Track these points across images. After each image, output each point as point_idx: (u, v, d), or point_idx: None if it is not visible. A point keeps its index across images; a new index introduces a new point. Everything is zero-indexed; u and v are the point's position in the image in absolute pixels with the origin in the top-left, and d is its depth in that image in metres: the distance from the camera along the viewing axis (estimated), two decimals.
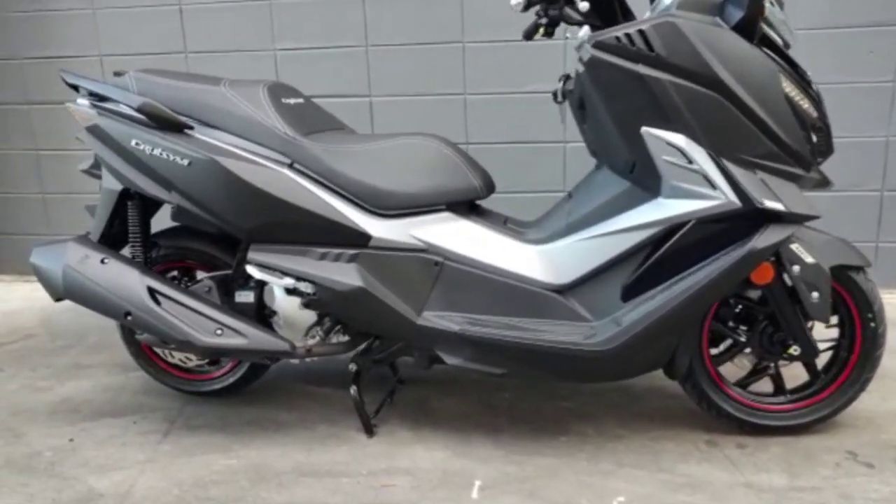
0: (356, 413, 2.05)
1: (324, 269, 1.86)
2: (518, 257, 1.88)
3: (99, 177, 2.13)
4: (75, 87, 2.02)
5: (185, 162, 1.84)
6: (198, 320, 1.90)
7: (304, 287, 1.88)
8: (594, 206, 1.82)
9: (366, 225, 1.86)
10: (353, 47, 3.17)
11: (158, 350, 2.21)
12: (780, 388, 1.97)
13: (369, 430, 2.04)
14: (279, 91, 1.98)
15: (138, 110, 1.85)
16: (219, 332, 1.89)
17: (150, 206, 2.10)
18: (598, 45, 1.65)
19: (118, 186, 1.99)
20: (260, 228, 1.87)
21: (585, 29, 1.81)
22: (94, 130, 1.94)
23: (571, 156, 3.13)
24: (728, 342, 1.96)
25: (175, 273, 2.18)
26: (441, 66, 3.12)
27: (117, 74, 2.10)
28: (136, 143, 1.88)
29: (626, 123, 1.66)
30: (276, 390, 2.35)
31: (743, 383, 1.98)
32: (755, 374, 1.98)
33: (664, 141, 1.64)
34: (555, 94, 1.95)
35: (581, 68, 1.68)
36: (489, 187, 1.94)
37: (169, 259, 2.16)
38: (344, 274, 1.85)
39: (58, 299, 1.99)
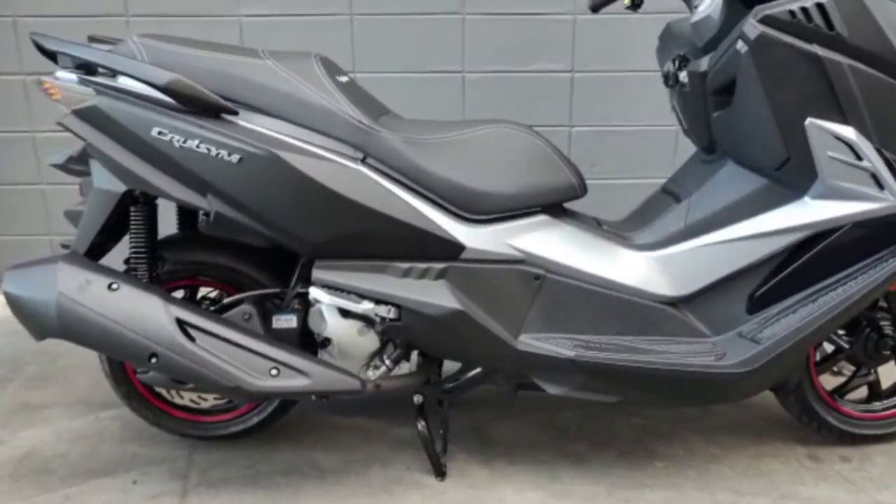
0: (412, 450, 1.74)
1: (410, 288, 1.52)
2: (627, 267, 1.63)
3: (79, 174, 1.65)
4: (52, 56, 1.53)
5: (234, 158, 1.42)
6: (246, 359, 1.50)
7: (384, 311, 1.53)
8: (721, 205, 1.60)
9: (458, 233, 1.53)
10: (335, 15, 2.75)
11: (159, 388, 1.77)
12: (876, 394, 1.86)
13: (440, 472, 1.73)
14: (331, 66, 1.59)
15: (165, 89, 1.40)
16: (274, 371, 1.51)
17: (155, 210, 1.65)
18: (768, 21, 1.41)
19: (119, 188, 1.53)
20: (331, 242, 1.49)
21: (707, 3, 1.57)
22: (89, 114, 1.47)
23: (576, 141, 2.91)
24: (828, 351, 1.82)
25: (181, 293, 1.75)
26: (437, 39, 2.78)
27: (95, 41, 1.62)
28: (160, 133, 1.43)
29: (789, 114, 1.44)
30: (298, 424, 1.97)
31: (841, 392, 1.85)
32: (850, 381, 1.86)
33: (831, 134, 1.44)
34: (666, 77, 1.70)
35: (740, 47, 1.43)
36: (584, 185, 1.67)
37: (176, 276, 1.72)
38: (436, 294, 1.52)
39: (43, 338, 1.51)
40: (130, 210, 1.61)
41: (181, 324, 1.48)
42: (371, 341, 1.64)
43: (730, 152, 1.62)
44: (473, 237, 1.54)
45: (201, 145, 1.42)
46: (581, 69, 2.88)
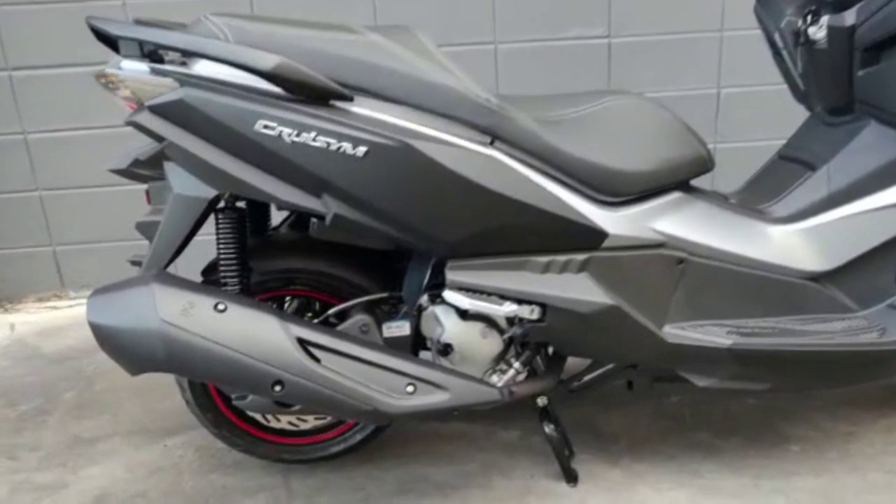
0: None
1: (554, 285, 1.36)
2: (769, 243, 1.50)
3: (147, 179, 1.43)
4: (112, 44, 1.30)
5: (360, 151, 1.23)
6: (379, 376, 1.32)
7: (527, 312, 1.37)
8: (867, 171, 1.48)
9: (599, 219, 1.37)
10: None
11: (253, 413, 1.58)
12: None
13: (573, 478, 1.60)
14: (426, 38, 1.40)
15: (272, 75, 1.20)
16: (411, 388, 1.34)
17: (244, 214, 1.45)
18: None
19: (208, 192, 1.32)
20: (467, 238, 1.32)
21: None
22: (171, 110, 1.26)
23: None
24: None
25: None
26: (466, 8, 2.60)
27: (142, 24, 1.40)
28: (267, 127, 1.23)
29: None
30: (396, 437, 1.80)
31: None
32: None
33: None
34: (797, 35, 1.56)
35: None
36: (712, 156, 1.52)
37: (266, 287, 1.52)
38: (583, 289, 1.37)
39: (142, 372, 1.30)
40: (217, 216, 1.41)
41: (303, 343, 1.30)
42: (494, 344, 1.49)
43: (874, 113, 1.49)
44: (614, 222, 1.39)
45: (319, 138, 1.22)
46: (619, 35, 2.73)
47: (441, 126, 1.29)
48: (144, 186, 1.49)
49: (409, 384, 1.33)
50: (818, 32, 1.51)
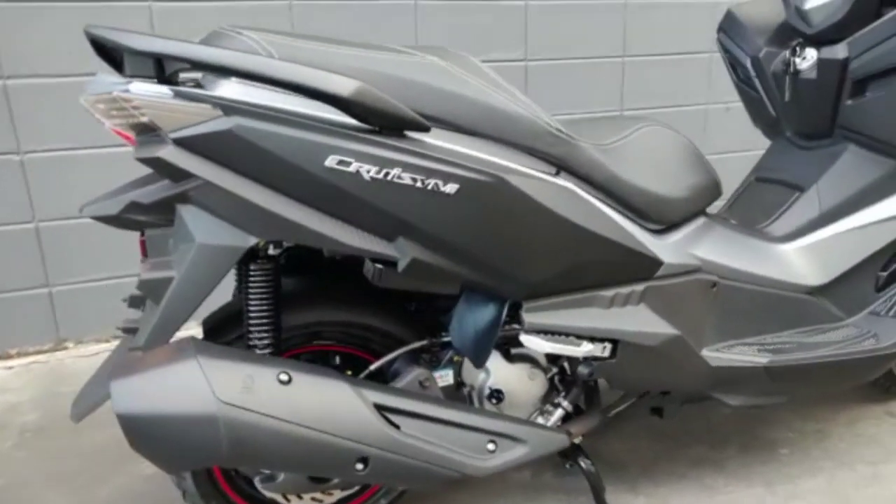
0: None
1: (623, 319, 1.31)
2: (777, 261, 1.58)
3: (141, 226, 1.18)
4: (112, 59, 1.06)
5: (450, 188, 1.09)
6: (459, 437, 1.19)
7: (599, 350, 1.31)
8: (853, 190, 1.61)
9: (654, 248, 1.35)
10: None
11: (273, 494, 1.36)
12: None
13: None
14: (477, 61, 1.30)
15: (350, 102, 1.02)
16: (491, 446, 1.22)
17: (279, 264, 1.24)
18: None
19: (244, 241, 1.11)
20: (551, 277, 1.23)
21: None
22: (212, 143, 1.04)
23: None
24: None
25: None
26: (388, 31, 2.49)
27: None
28: (341, 163, 1.05)
29: None
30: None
31: None
32: None
33: None
34: (786, 65, 1.65)
35: None
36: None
37: (290, 345, 1.32)
38: (649, 321, 1.33)
39: (193, 468, 1.05)
40: (248, 267, 1.19)
41: (380, 410, 1.12)
42: (540, 384, 1.42)
43: (853, 137, 1.63)
44: (665, 250, 1.37)
45: (404, 175, 1.07)
46: (534, 58, 2.77)
47: (517, 158, 1.19)
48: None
49: (490, 441, 1.21)
50: (803, 63, 1.63)
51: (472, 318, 1.25)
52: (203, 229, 1.10)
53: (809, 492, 1.64)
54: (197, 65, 1.02)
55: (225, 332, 1.29)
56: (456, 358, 1.37)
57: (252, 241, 1.11)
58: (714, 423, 1.92)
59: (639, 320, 1.32)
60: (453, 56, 1.22)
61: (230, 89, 1.07)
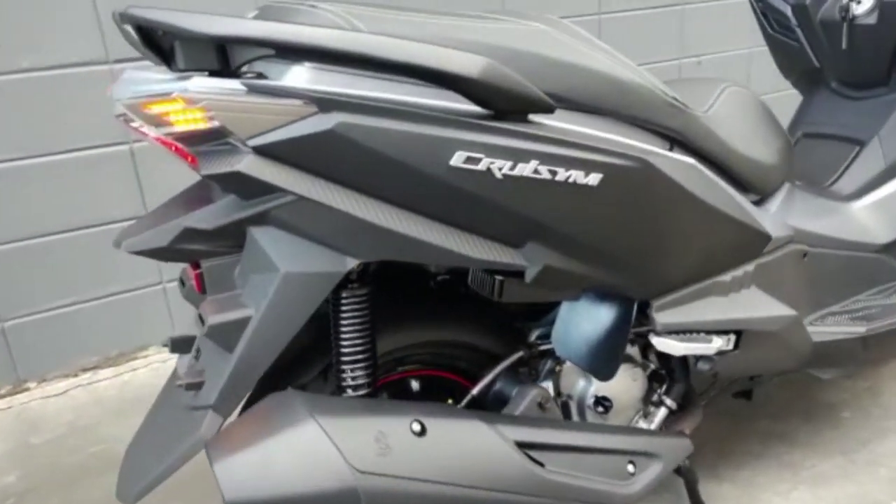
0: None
1: (744, 305, 1.18)
2: (849, 221, 1.49)
3: (192, 256, 0.95)
4: (158, 49, 0.82)
5: (593, 179, 0.91)
6: (601, 464, 1.03)
7: (723, 343, 1.17)
8: None
9: (763, 221, 1.23)
10: None
11: None
12: None
13: None
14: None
15: (478, 84, 0.82)
16: (631, 468, 1.07)
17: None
18: None
19: (341, 265, 0.90)
20: (684, 268, 1.08)
21: None
22: (307, 147, 0.82)
23: None
24: None
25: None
26: None
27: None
28: (469, 160, 0.85)
29: None
30: None
31: None
32: None
33: None
34: (844, 10, 1.54)
35: None
36: None
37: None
38: (766, 304, 1.21)
39: None
40: (341, 296, 0.98)
41: (522, 448, 0.95)
42: (641, 384, 1.28)
43: None
44: (769, 222, 1.25)
45: (541, 168, 0.88)
46: None
47: (640, 135, 1.02)
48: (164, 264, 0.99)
49: (629, 462, 1.07)
50: (859, 8, 1.53)
51: (593, 325, 1.09)
52: (288, 255, 0.88)
53: (884, 456, 1.59)
54: (288, 49, 0.79)
55: (296, 372, 1.07)
56: (558, 368, 1.20)
57: (351, 264, 0.90)
58: (765, 392, 1.85)
59: (757, 305, 1.20)
60: (550, 21, 1.03)
61: (305, 77, 0.84)
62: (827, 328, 1.36)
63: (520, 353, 1.18)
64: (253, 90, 0.81)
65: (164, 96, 0.80)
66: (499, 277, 0.97)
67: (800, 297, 1.34)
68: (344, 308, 0.97)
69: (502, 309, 1.23)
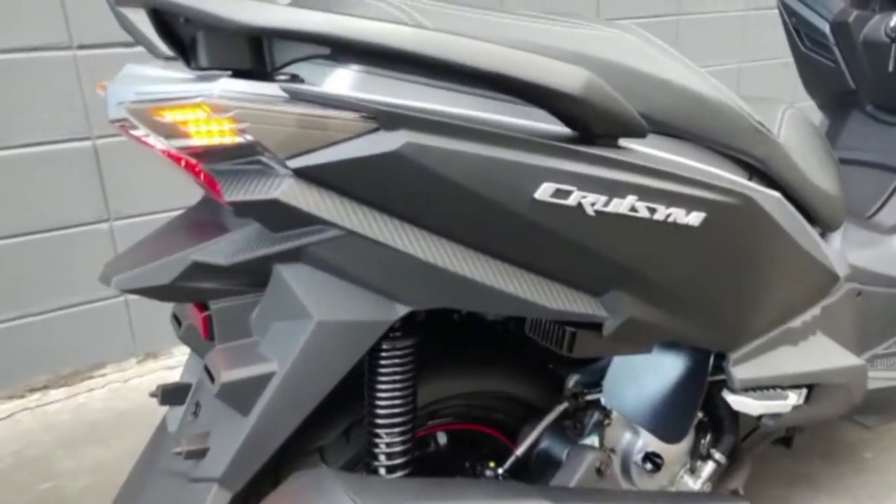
0: None
1: (814, 355, 1.06)
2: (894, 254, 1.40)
3: (194, 295, 0.78)
4: (175, 41, 0.65)
5: (693, 217, 0.77)
6: None
7: (795, 398, 1.04)
8: None
9: (833, 259, 1.11)
10: None
11: None
12: None
13: None
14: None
15: (580, 103, 0.67)
16: None
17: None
18: None
19: (391, 313, 0.74)
20: (765, 314, 0.94)
21: None
22: (360, 172, 0.66)
23: None
24: None
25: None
26: None
27: None
28: (558, 193, 0.70)
29: None
30: None
31: None
32: None
33: None
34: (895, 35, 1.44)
35: None
36: None
37: None
38: (834, 352, 1.09)
39: None
40: (381, 348, 0.81)
41: None
42: (689, 439, 1.14)
43: None
44: (835, 260, 1.13)
45: (639, 205, 0.73)
46: None
47: (727, 166, 0.88)
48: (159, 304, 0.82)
49: None
50: None
51: (661, 380, 0.95)
52: (324, 300, 0.72)
53: None
54: (351, 49, 0.62)
55: (315, 431, 0.90)
56: (606, 421, 1.06)
57: (401, 312, 0.74)
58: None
59: (828, 354, 1.08)
60: (626, 27, 0.89)
61: (358, 84, 0.67)
62: (879, 373, 1.26)
63: (564, 406, 1.03)
64: (296, 98, 0.64)
65: (184, 101, 0.63)
66: (570, 329, 0.82)
67: (854, 340, 1.23)
68: (383, 362, 0.80)
69: (537, 353, 1.09)
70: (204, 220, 0.82)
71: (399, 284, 0.72)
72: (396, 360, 0.81)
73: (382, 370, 0.81)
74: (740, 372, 0.94)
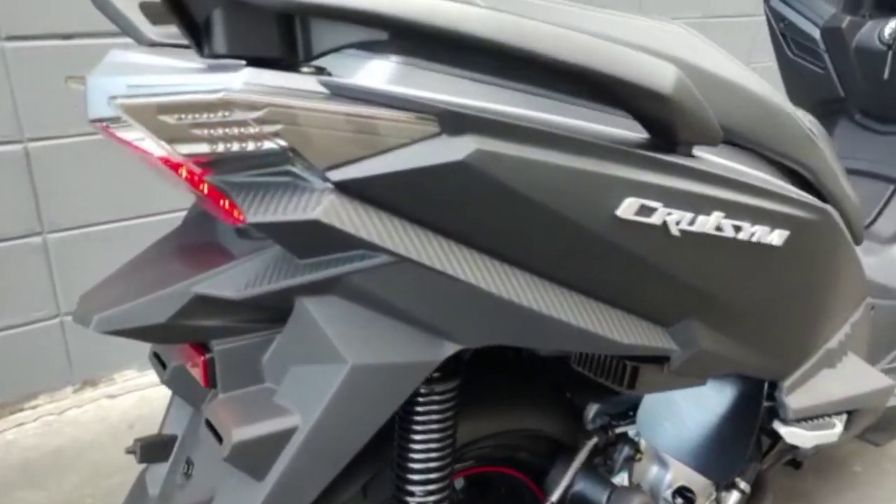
0: None
1: (852, 378, 0.99)
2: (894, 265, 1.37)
3: (192, 334, 0.64)
4: (188, 24, 0.52)
5: (776, 237, 0.68)
6: None
7: (840, 426, 0.97)
8: None
9: (868, 269, 1.05)
10: None
11: None
12: None
13: None
14: None
15: (665, 104, 0.57)
16: None
17: None
18: None
19: (438, 353, 0.62)
20: (813, 339, 0.87)
21: None
22: (417, 186, 0.54)
23: None
24: None
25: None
26: None
27: None
28: (643, 210, 0.59)
29: None
30: None
31: None
32: None
33: None
34: (892, 42, 1.40)
35: None
36: None
37: None
38: (869, 375, 1.03)
39: None
40: (419, 392, 0.69)
41: None
42: None
43: None
44: (870, 273, 1.08)
45: (725, 223, 0.64)
46: None
47: (784, 176, 0.80)
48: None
49: None
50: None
51: (707, 413, 0.86)
52: (361, 339, 0.60)
53: None
54: (415, 33, 0.50)
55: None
56: (638, 456, 0.97)
57: (449, 351, 0.62)
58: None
59: (863, 375, 1.02)
60: (671, 22, 0.80)
61: (407, 79, 0.56)
62: None
63: (594, 441, 0.93)
64: (338, 94, 0.52)
65: (199, 96, 0.49)
66: (632, 364, 0.72)
67: (866, 356, 1.18)
68: (420, 408, 0.68)
69: (555, 382, 0.99)
70: (199, 242, 0.68)
71: (452, 319, 0.60)
72: (434, 407, 0.69)
73: (419, 417, 0.68)
74: (794, 401, 0.86)
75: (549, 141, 0.55)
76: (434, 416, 0.69)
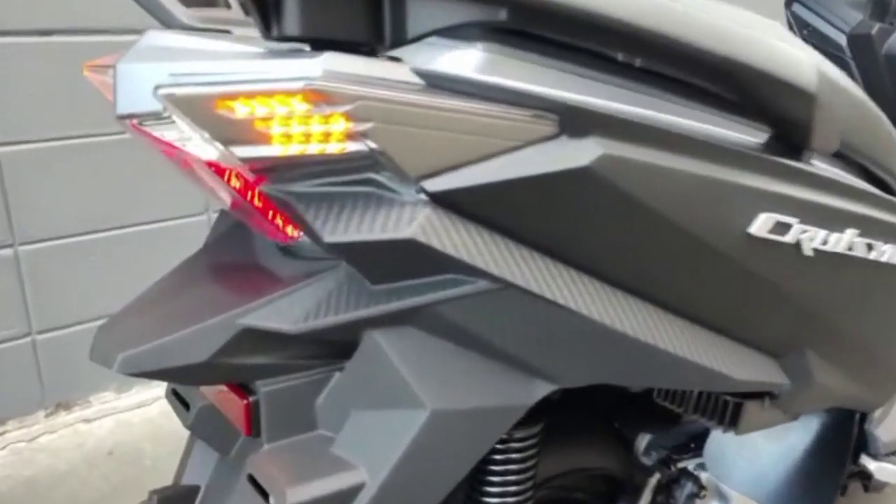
0: None
1: None
2: None
3: (246, 374, 0.54)
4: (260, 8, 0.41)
5: (888, 252, 0.60)
6: None
7: None
8: None
9: None
10: None
11: None
12: None
13: None
14: None
15: (810, 102, 0.49)
16: None
17: None
18: None
19: (530, 395, 0.52)
20: None
21: None
22: (531, 197, 0.44)
23: None
24: None
25: None
26: None
27: None
28: (777, 227, 0.51)
29: None
30: None
31: None
32: None
33: None
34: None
35: None
36: None
37: None
38: None
39: None
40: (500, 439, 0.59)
41: None
42: None
43: None
44: None
45: (858, 241, 0.56)
46: None
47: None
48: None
49: None
50: None
51: (791, 450, 0.77)
52: (442, 380, 0.50)
53: None
54: (541, 14, 0.41)
55: None
56: (703, 493, 0.88)
57: (542, 393, 0.53)
58: None
59: None
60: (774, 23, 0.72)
61: (472, 66, 0.46)
62: None
63: (656, 478, 0.85)
64: (437, 86, 0.42)
65: (274, 86, 0.39)
66: (735, 400, 0.63)
67: None
68: (499, 456, 0.58)
69: (604, 411, 0.90)
70: (236, 262, 0.57)
71: (554, 356, 0.50)
72: (514, 455, 0.59)
73: (497, 465, 0.59)
74: (884, 433, 0.78)
75: (682, 145, 0.46)
76: (513, 467, 0.59)
